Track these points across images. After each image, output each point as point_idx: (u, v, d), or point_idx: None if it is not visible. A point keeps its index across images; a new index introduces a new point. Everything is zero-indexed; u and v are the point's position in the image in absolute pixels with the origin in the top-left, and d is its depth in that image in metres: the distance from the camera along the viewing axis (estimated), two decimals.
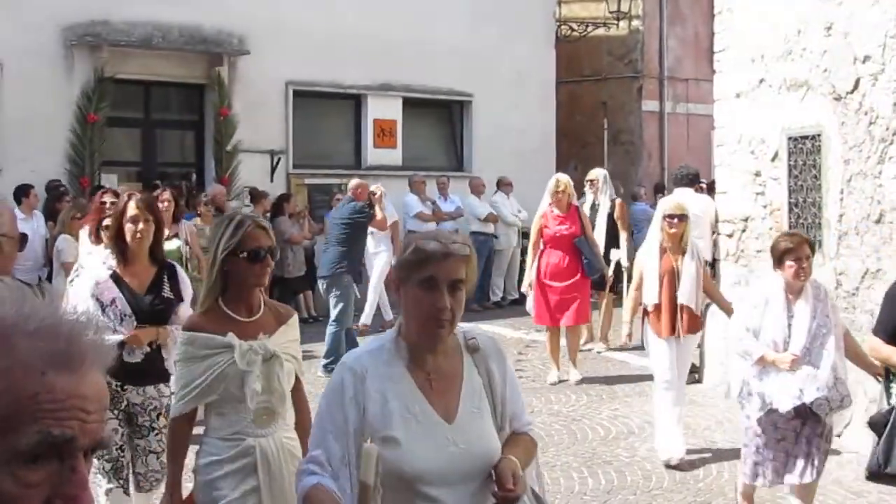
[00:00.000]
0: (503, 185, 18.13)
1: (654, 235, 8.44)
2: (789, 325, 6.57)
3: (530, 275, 11.70)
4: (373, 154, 18.59)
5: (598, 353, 13.21)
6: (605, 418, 9.76)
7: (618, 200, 13.61)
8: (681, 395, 8.62)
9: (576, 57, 22.70)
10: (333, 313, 12.27)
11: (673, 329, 8.33)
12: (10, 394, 1.25)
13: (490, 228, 17.77)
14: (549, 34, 20.73)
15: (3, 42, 14.75)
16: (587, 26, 22.57)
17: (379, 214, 13.63)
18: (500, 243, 17.93)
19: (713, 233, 11.47)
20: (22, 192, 12.95)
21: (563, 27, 22.28)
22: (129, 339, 5.83)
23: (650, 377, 11.46)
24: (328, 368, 11.90)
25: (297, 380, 4.63)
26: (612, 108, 22.93)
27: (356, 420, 3.09)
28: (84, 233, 9.22)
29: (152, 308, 6.00)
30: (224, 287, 4.42)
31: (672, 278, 8.32)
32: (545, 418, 9.84)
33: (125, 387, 5.96)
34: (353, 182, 13.42)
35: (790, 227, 9.97)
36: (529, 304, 11.92)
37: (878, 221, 8.74)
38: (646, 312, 8.47)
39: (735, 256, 10.97)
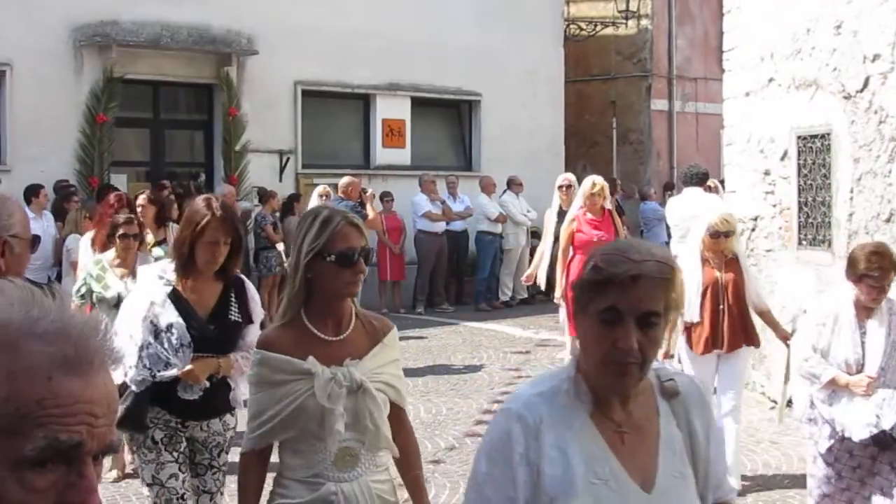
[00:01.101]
0: (513, 185, 18.12)
1: (694, 246, 7.76)
2: (862, 344, 5.98)
3: (561, 283, 10.70)
4: (381, 154, 18.60)
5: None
6: None
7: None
8: (722, 420, 7.59)
9: (584, 56, 22.68)
10: None
11: (713, 344, 7.60)
12: (16, 398, 1.24)
13: (499, 228, 17.78)
14: (558, 33, 20.72)
15: (12, 43, 14.78)
16: (596, 25, 22.55)
17: (371, 214, 13.46)
18: (509, 243, 17.92)
19: None
20: (32, 192, 12.98)
21: (571, 26, 22.27)
22: (184, 374, 5.02)
23: None
24: None
25: (397, 407, 3.88)
26: (620, 108, 22.90)
27: (528, 485, 2.40)
28: (85, 239, 9.12)
29: (216, 335, 5.15)
30: (308, 297, 3.70)
31: (715, 291, 7.61)
32: None
33: (186, 423, 5.17)
34: (344, 180, 13.30)
35: (799, 227, 9.96)
36: (563, 315, 11.14)
37: (888, 220, 8.71)
38: (683, 327, 7.70)
39: (744, 256, 10.94)
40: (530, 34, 19.68)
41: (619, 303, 2.32)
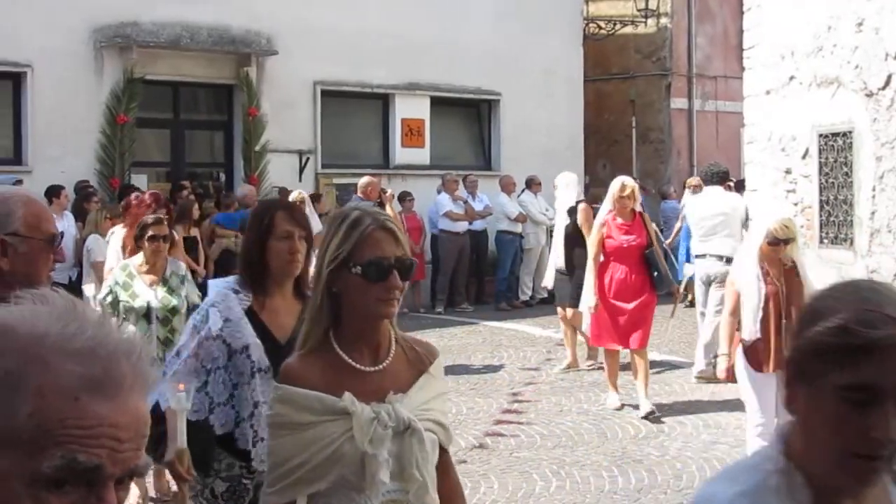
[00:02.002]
0: (532, 184, 18.10)
1: (752, 254, 7.22)
2: None
3: (592, 293, 10.02)
4: (401, 153, 18.61)
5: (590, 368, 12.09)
6: (634, 417, 9.72)
7: (581, 204, 11.96)
8: None
9: (604, 55, 22.64)
10: None
11: (778, 363, 6.97)
12: (39, 415, 1.22)
13: (518, 228, 17.76)
14: (577, 32, 20.68)
15: (33, 44, 14.85)
16: (615, 24, 22.51)
17: (389, 212, 13.39)
18: (529, 242, 17.90)
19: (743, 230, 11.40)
20: (53, 193, 13.02)
21: (590, 25, 22.23)
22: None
23: (680, 375, 11.44)
24: None
25: (443, 450, 3.20)
26: (640, 106, 22.84)
27: None
28: (116, 241, 8.92)
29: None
30: (335, 317, 3.02)
31: (777, 304, 7.07)
32: (575, 417, 9.82)
33: (252, 470, 4.25)
34: (363, 180, 13.20)
35: (821, 225, 9.91)
36: (585, 324, 10.70)
37: None
38: (742, 344, 7.24)
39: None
40: (549, 33, 19.65)
41: (877, 379, 1.73)
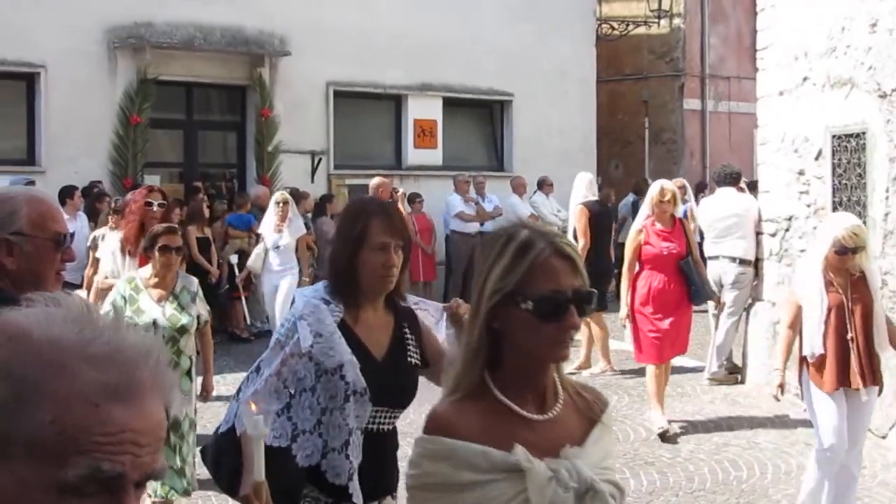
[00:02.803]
0: (544, 185, 18.09)
1: (816, 263, 6.60)
2: None
3: (624, 303, 9.58)
4: (413, 154, 18.61)
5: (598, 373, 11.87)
6: (646, 419, 9.70)
7: (577, 206, 12.13)
8: (850, 468, 6.76)
9: (616, 55, 22.62)
10: None
11: (843, 380, 6.55)
12: (61, 422, 1.20)
13: None
14: (590, 33, 20.66)
15: (47, 44, 14.90)
16: (628, 25, 22.49)
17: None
18: None
19: (756, 232, 11.36)
20: (66, 194, 13.06)
21: (603, 26, 22.21)
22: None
23: (693, 377, 11.41)
24: None
25: None
26: (653, 107, 22.82)
27: None
28: (112, 242, 8.30)
29: (395, 382, 3.85)
30: (495, 357, 2.51)
31: (840, 316, 6.54)
32: None
33: None
34: (375, 181, 13.17)
35: None
36: (628, 337, 10.24)
37: None
38: (804, 361, 6.71)
39: (778, 256, 10.88)
40: (562, 34, 19.63)
41: None
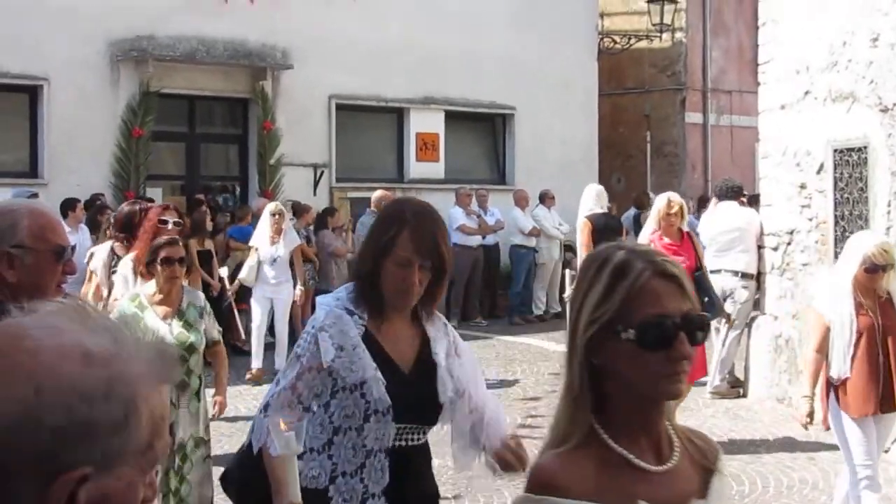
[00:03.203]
0: (546, 198, 18.11)
1: (845, 283, 6.33)
2: None
3: None
4: (415, 167, 18.63)
5: None
6: None
7: (582, 219, 11.99)
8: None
9: (618, 69, 22.63)
10: None
11: (875, 405, 6.29)
12: (152, 430, 1.37)
13: (532, 242, 17.76)
14: (592, 47, 20.70)
15: (50, 57, 14.93)
16: (630, 38, 22.51)
17: None
18: (543, 256, 17.89)
19: (758, 246, 11.36)
20: (68, 206, 13.07)
21: (605, 39, 22.23)
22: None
23: (696, 392, 11.38)
24: None
25: None
26: (655, 121, 22.83)
27: None
28: (125, 265, 7.66)
29: (424, 396, 3.62)
30: (601, 400, 2.20)
31: (872, 339, 6.27)
32: None
33: None
34: (377, 194, 13.05)
35: (836, 241, 9.88)
36: None
37: None
38: (831, 385, 6.42)
39: (780, 270, 10.87)
40: (564, 47, 19.67)
41: None
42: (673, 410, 2.23)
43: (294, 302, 13.17)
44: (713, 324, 11.54)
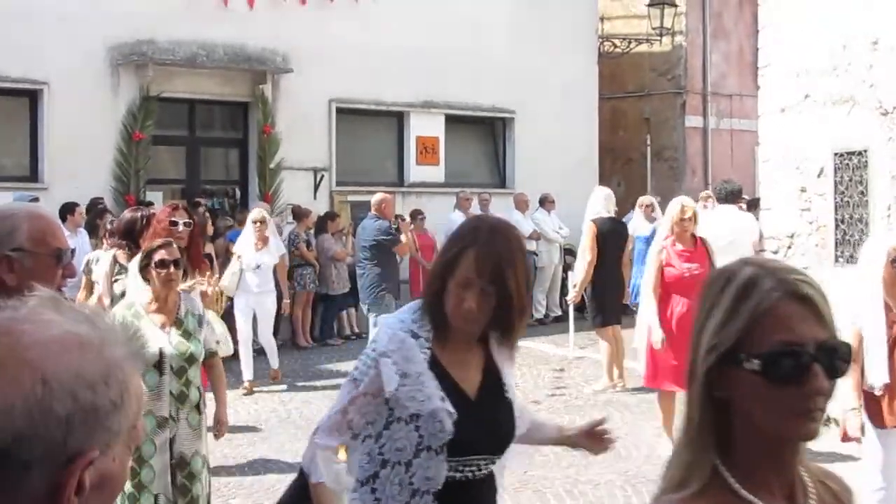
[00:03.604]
0: (545, 202, 18.12)
1: (873, 286, 5.95)
2: None
3: (655, 327, 8.96)
4: (415, 171, 18.63)
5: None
6: (649, 436, 9.68)
7: (588, 223, 11.90)
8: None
9: (619, 73, 22.64)
10: (373, 333, 12.10)
11: None
12: (137, 399, 1.44)
13: (532, 245, 17.76)
14: (592, 50, 20.72)
15: (50, 62, 14.94)
16: (630, 42, 22.52)
17: (404, 239, 12.90)
18: (543, 260, 17.91)
19: (757, 251, 11.34)
20: (67, 210, 13.07)
21: (605, 43, 22.25)
22: None
23: None
24: None
25: None
26: (655, 124, 22.83)
27: None
28: (133, 270, 6.73)
29: (495, 425, 3.38)
30: (727, 439, 1.92)
31: None
32: None
33: None
34: (377, 197, 12.97)
35: (836, 244, 9.89)
36: (643, 363, 9.48)
37: None
38: (867, 395, 6.04)
39: None
40: (565, 51, 19.68)
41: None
42: (803, 451, 1.95)
43: (283, 310, 13.12)
44: None
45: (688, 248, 8.98)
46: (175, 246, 6.06)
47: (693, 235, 9.08)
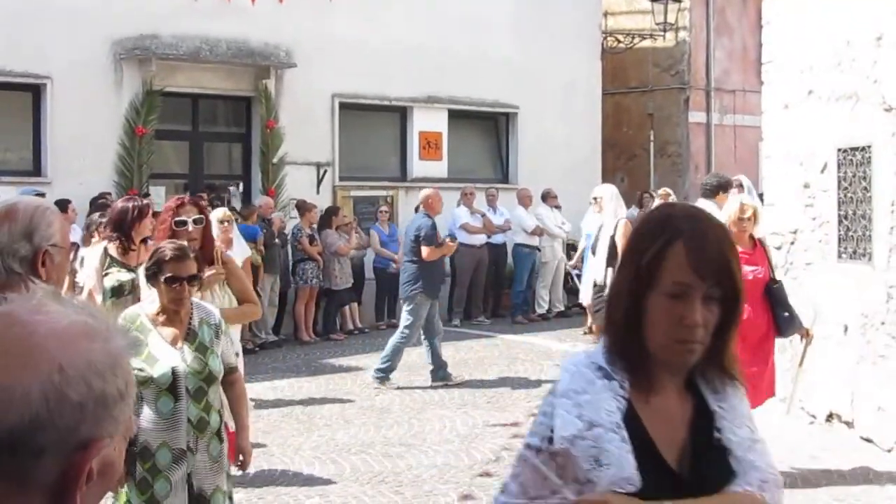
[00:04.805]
0: (548, 198, 18.13)
1: None
2: None
3: None
4: (418, 166, 18.62)
5: None
6: None
7: (622, 220, 11.32)
8: None
9: (622, 68, 22.64)
10: (402, 325, 12.15)
11: None
12: (135, 390, 1.49)
13: (535, 241, 17.77)
14: (596, 46, 20.70)
15: (53, 56, 14.93)
16: (633, 38, 22.51)
17: (443, 251, 12.65)
18: (545, 255, 17.91)
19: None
20: (61, 207, 13.06)
21: (609, 39, 22.24)
22: None
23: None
24: (377, 375, 11.90)
25: None
26: (658, 120, 22.83)
27: None
28: (140, 275, 6.23)
29: (700, 473, 2.39)
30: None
31: None
32: None
33: None
34: (423, 193, 12.84)
35: (839, 240, 9.88)
36: None
37: None
38: None
39: (784, 269, 10.85)
40: (568, 46, 19.67)
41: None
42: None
43: (296, 301, 13.08)
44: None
45: (747, 250, 8.16)
46: (191, 257, 5.19)
47: (752, 237, 8.42)
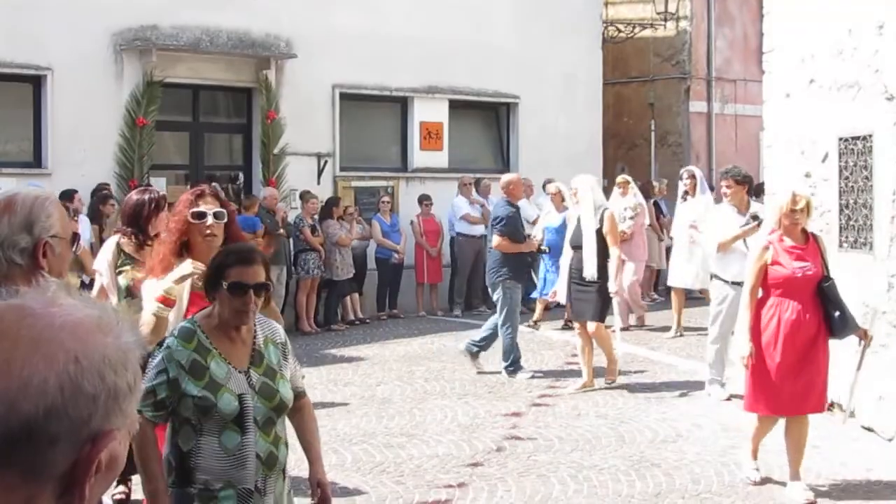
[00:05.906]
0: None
1: None
2: None
3: (747, 338, 7.55)
4: (419, 156, 18.62)
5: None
6: (652, 421, 9.69)
7: (607, 211, 11.13)
8: None
9: (623, 58, 22.62)
10: (500, 319, 12.04)
11: None
12: (142, 384, 1.51)
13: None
14: (596, 35, 20.68)
15: (53, 47, 14.92)
16: (634, 27, 22.49)
17: (524, 247, 12.39)
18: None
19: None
20: (66, 197, 13.06)
21: (609, 28, 22.21)
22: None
23: (697, 380, 11.39)
24: (509, 370, 11.88)
25: None
26: (659, 110, 22.81)
27: None
28: (147, 292, 5.53)
29: None
30: None
31: None
32: (593, 420, 9.80)
33: None
34: (504, 179, 12.67)
35: (840, 229, 9.88)
36: (746, 383, 7.73)
37: None
38: None
39: None
40: (568, 36, 19.65)
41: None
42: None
43: (297, 292, 13.07)
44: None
45: (799, 245, 7.57)
46: (260, 262, 4.30)
47: (804, 230, 7.67)
